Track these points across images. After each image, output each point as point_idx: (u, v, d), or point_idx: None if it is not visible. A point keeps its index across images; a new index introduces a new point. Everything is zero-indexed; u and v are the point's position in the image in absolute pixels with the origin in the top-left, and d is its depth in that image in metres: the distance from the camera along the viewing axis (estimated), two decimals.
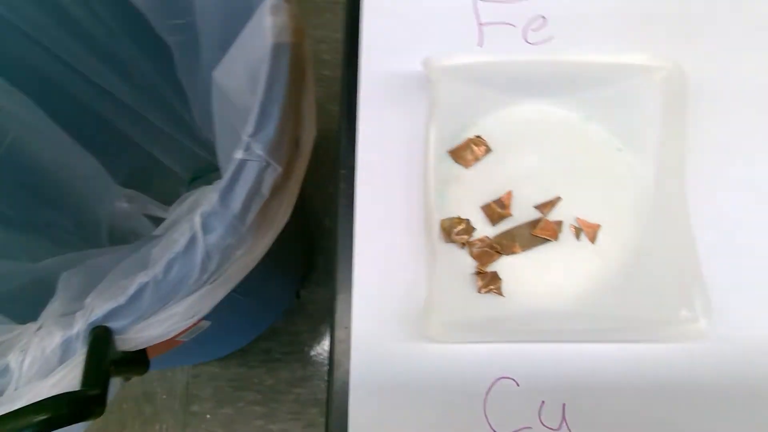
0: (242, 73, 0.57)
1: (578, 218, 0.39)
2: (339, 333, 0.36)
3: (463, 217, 0.39)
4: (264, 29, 0.52)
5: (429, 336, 0.35)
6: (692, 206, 0.39)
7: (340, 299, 0.37)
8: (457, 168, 0.40)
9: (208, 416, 1.04)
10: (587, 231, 0.39)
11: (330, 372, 0.36)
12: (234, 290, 0.60)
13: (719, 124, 0.41)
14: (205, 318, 0.72)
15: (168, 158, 0.97)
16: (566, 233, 0.39)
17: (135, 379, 1.06)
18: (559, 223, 0.39)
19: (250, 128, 0.51)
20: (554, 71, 0.40)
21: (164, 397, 1.05)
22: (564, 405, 0.36)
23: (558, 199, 0.40)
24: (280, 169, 0.50)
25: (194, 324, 0.68)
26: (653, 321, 0.36)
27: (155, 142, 0.93)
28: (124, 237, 0.94)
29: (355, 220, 0.38)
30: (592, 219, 0.39)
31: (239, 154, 0.51)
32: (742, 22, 0.43)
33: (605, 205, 0.39)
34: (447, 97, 0.39)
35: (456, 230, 0.38)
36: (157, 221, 0.95)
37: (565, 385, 0.36)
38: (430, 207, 0.37)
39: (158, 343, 0.65)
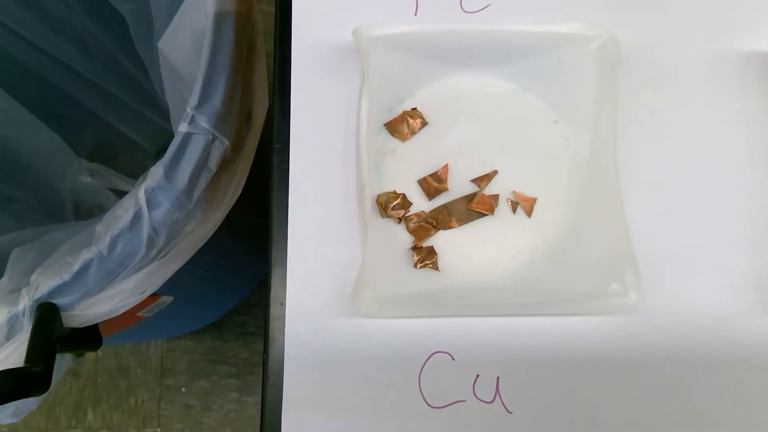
0: (187, 43, 0.56)
1: (515, 192, 0.40)
2: (274, 309, 0.37)
3: (399, 191, 0.39)
4: None
5: (362, 312, 0.35)
6: (625, 179, 0.39)
7: (275, 275, 0.38)
8: (393, 141, 0.40)
9: (183, 389, 1.06)
10: (524, 204, 0.39)
11: (265, 348, 0.37)
12: (196, 265, 0.61)
13: (653, 95, 0.41)
14: (166, 293, 0.72)
15: (132, 131, 0.97)
16: (503, 207, 0.40)
17: (109, 353, 1.07)
18: (495, 197, 0.40)
19: (194, 101, 0.51)
20: (490, 41, 0.40)
21: (139, 370, 1.06)
22: (498, 378, 0.37)
23: (495, 172, 0.40)
24: (227, 143, 0.49)
25: (153, 300, 0.68)
26: (585, 294, 0.36)
27: (118, 115, 0.93)
28: (90, 212, 0.94)
29: (288, 196, 0.38)
30: (529, 192, 0.40)
31: (183, 128, 0.50)
32: None
33: (542, 178, 0.40)
34: (380, 68, 0.39)
35: (392, 205, 0.39)
36: (124, 195, 0.95)
37: (500, 359, 0.37)
38: (362, 182, 0.37)
39: (118, 319, 0.66)
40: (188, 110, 0.51)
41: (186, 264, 0.57)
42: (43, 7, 0.74)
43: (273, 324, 0.37)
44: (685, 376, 0.37)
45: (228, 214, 0.54)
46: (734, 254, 0.39)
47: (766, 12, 0.43)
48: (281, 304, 0.37)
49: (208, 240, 0.55)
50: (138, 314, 0.69)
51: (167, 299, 0.72)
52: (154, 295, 0.70)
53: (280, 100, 0.40)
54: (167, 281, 0.57)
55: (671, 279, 0.39)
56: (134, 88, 0.91)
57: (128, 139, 0.97)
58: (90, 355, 1.07)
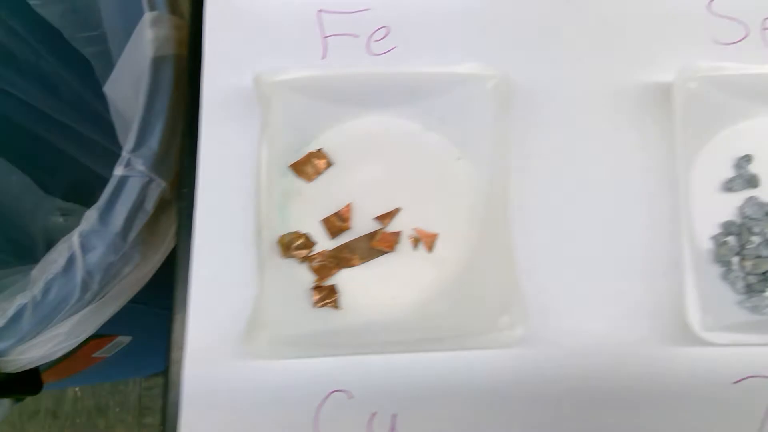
0: (129, 87, 0.59)
1: (416, 228, 0.41)
2: (174, 354, 0.39)
3: (304, 231, 0.41)
4: (144, 42, 0.54)
5: (256, 353, 0.37)
6: (525, 213, 0.41)
7: (176, 318, 0.39)
8: (299, 182, 0.42)
9: (161, 428, 1.06)
10: (425, 240, 0.41)
11: (165, 392, 0.38)
12: (149, 304, 0.63)
13: (552, 130, 0.43)
14: (123, 334, 0.74)
15: (106, 170, 0.99)
16: (405, 243, 0.41)
17: (87, 393, 1.09)
18: (397, 234, 0.41)
19: (130, 144, 0.53)
20: (394, 83, 0.42)
21: (117, 410, 1.08)
22: (394, 415, 0.38)
23: (397, 209, 0.42)
24: (165, 184, 0.52)
25: (108, 340, 0.70)
26: (479, 328, 0.38)
27: (90, 154, 0.96)
28: None
29: (193, 239, 0.40)
30: (432, 229, 0.41)
31: (119, 171, 0.53)
32: (568, 34, 0.45)
33: (445, 214, 0.42)
34: (285, 111, 0.41)
35: (295, 245, 0.40)
36: None
37: (397, 396, 0.38)
38: (260, 223, 0.39)
39: (71, 362, 0.68)
40: (124, 153, 0.54)
41: (141, 304, 0.59)
42: (9, 51, 0.77)
43: (173, 368, 0.39)
44: (583, 405, 0.38)
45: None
46: (630, 285, 0.40)
47: (661, 43, 0.44)
48: (180, 348, 0.39)
49: (163, 278, 0.57)
50: (94, 355, 0.71)
51: (125, 339, 0.74)
52: (110, 336, 0.72)
53: (189, 144, 0.42)
54: (120, 322, 0.58)
55: (569, 311, 0.40)
56: (105, 128, 0.94)
57: (102, 178, 1.00)
58: (69, 396, 1.10)
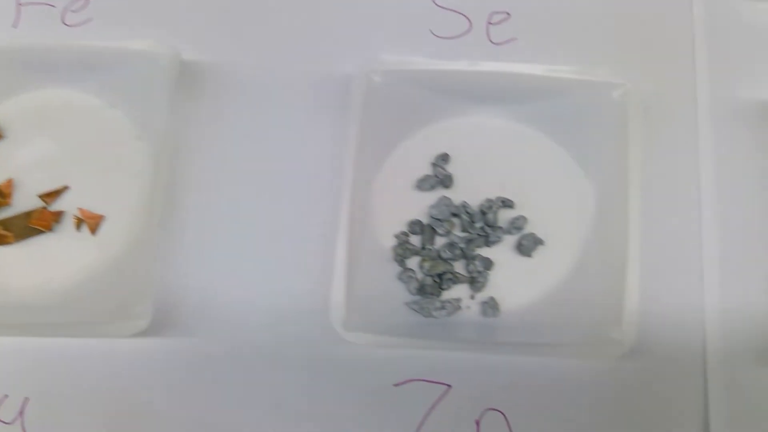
0: None
1: (80, 208, 0.40)
2: None
3: None
4: None
5: None
6: (192, 199, 0.40)
7: None
8: None
9: None
10: (89, 222, 0.39)
11: None
12: None
13: (230, 116, 0.42)
14: None
15: None
16: (69, 224, 0.39)
17: None
18: (57, 214, 0.39)
19: None
20: (77, 55, 0.40)
21: None
22: (26, 399, 0.36)
23: (64, 188, 0.40)
24: None
25: None
26: (114, 315, 0.36)
27: None
28: None
29: None
30: (101, 210, 0.40)
31: None
32: (265, 17, 0.44)
33: (118, 195, 0.40)
34: None
35: None
36: None
37: (31, 380, 0.37)
38: None
39: None
40: None
41: None
42: None
43: None
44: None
45: None
46: (295, 282, 0.39)
47: (371, 34, 0.44)
48: None
49: None
50: None
51: None
52: None
53: None
54: None
55: (221, 303, 0.39)
56: None
57: None
58: None
